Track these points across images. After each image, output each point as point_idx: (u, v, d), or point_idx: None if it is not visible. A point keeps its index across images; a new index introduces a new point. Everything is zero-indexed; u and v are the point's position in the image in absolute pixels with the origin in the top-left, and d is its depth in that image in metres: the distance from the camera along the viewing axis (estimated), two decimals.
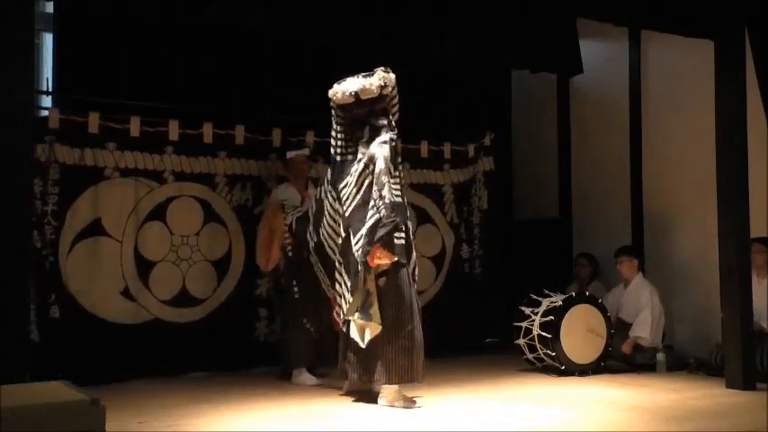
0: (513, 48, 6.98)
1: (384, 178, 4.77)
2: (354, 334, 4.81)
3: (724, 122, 5.51)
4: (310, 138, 6.72)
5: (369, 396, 4.92)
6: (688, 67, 6.83)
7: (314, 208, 5.34)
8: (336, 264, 5.02)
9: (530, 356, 6.25)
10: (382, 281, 4.81)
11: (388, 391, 4.80)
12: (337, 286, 5.03)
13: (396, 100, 4.97)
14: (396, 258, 4.78)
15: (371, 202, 4.80)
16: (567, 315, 6.09)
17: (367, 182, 4.87)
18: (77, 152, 5.84)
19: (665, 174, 7.12)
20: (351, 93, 4.88)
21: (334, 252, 5.09)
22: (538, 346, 6.12)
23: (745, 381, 5.31)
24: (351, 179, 4.95)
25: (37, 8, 5.94)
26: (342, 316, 4.96)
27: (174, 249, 6.18)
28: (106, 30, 6.23)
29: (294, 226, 5.59)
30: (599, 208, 7.76)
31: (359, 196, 4.88)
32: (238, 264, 6.37)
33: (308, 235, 5.36)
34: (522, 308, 6.36)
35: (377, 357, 4.79)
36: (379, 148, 4.87)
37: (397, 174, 4.93)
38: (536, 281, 6.83)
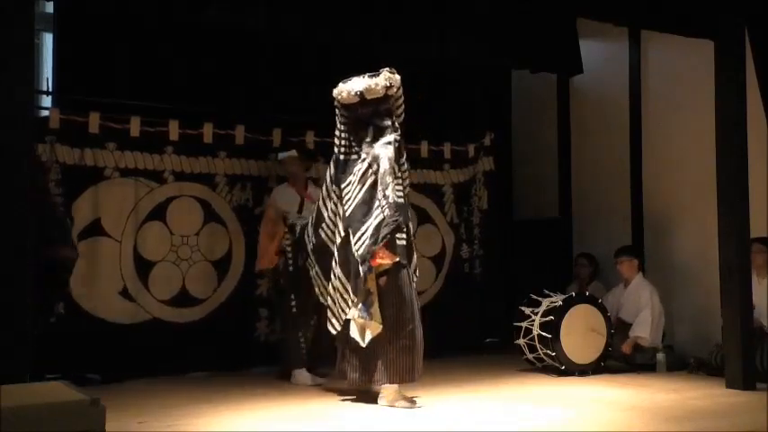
0: (513, 48, 6.98)
1: (388, 179, 4.78)
2: (355, 333, 4.80)
3: (724, 122, 5.50)
4: (311, 138, 6.73)
5: (369, 396, 4.92)
6: (688, 67, 6.83)
7: (315, 209, 5.32)
8: (333, 263, 4.99)
9: (530, 356, 6.25)
10: (383, 280, 4.81)
11: (388, 391, 4.80)
12: (331, 290, 4.99)
13: (401, 101, 4.96)
14: (397, 259, 4.78)
15: (376, 203, 4.80)
16: (567, 315, 6.09)
17: (369, 182, 4.86)
18: (77, 152, 5.85)
19: (665, 174, 7.12)
20: (356, 93, 4.87)
21: (332, 252, 5.07)
22: (538, 346, 6.12)
23: (745, 381, 5.31)
24: (354, 178, 4.94)
25: (37, 8, 5.94)
26: (334, 327, 4.94)
27: (174, 249, 6.18)
28: (106, 30, 6.23)
29: (298, 234, 5.58)
30: (599, 208, 7.76)
31: (360, 196, 4.87)
32: (239, 264, 6.37)
33: (306, 237, 5.35)
34: (522, 308, 6.36)
35: (377, 357, 4.80)
36: (384, 149, 4.87)
37: (400, 174, 4.93)
38: (536, 281, 6.83)
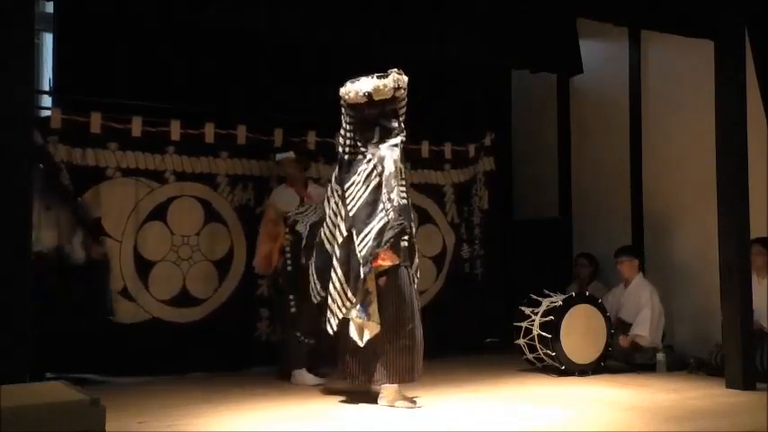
0: (513, 48, 6.98)
1: (393, 182, 4.77)
2: (353, 333, 4.80)
3: (724, 122, 5.50)
4: (312, 137, 6.73)
5: (369, 396, 4.92)
6: (688, 67, 6.83)
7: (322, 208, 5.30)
8: (334, 262, 4.97)
9: (530, 356, 6.25)
10: (383, 280, 4.81)
11: (388, 391, 4.80)
12: (331, 289, 4.96)
13: (405, 101, 4.95)
14: (398, 261, 4.78)
15: (380, 205, 4.79)
16: (567, 315, 6.09)
17: (374, 183, 4.84)
18: (79, 152, 5.85)
19: (665, 174, 7.12)
20: (364, 93, 4.82)
21: (332, 251, 5.05)
22: (538, 346, 6.12)
23: (745, 381, 5.31)
24: (358, 178, 4.91)
25: (37, 8, 5.94)
26: (330, 326, 4.94)
27: (175, 249, 6.19)
28: (106, 30, 6.23)
29: (306, 232, 5.56)
30: (599, 208, 7.76)
31: (364, 196, 4.85)
32: (240, 264, 6.36)
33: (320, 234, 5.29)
34: (522, 308, 6.36)
35: (377, 357, 4.80)
36: (389, 151, 4.85)
37: (403, 176, 4.93)
38: (536, 281, 6.83)
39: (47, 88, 6.16)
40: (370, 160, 4.90)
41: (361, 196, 4.86)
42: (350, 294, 4.78)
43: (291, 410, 4.71)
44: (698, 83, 6.42)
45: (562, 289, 6.83)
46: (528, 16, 6.86)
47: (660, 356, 6.31)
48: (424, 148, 7.35)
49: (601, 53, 7.77)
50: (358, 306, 4.75)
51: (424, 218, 7.23)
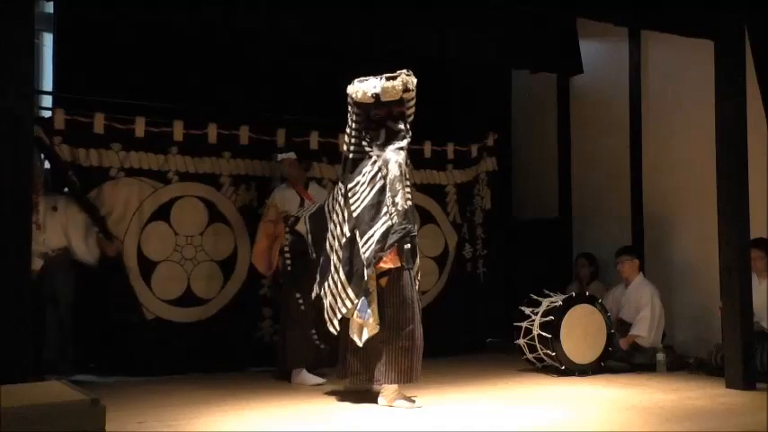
0: (514, 48, 6.98)
1: (398, 185, 4.75)
2: (352, 333, 4.80)
3: (724, 122, 5.50)
4: (315, 138, 6.72)
5: (369, 396, 4.92)
6: (688, 67, 6.83)
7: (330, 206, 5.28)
8: (336, 261, 4.96)
9: (530, 356, 6.25)
10: (383, 281, 4.81)
11: (388, 391, 4.80)
12: (332, 288, 4.94)
13: (412, 103, 4.92)
14: (400, 264, 4.78)
15: (384, 208, 4.78)
16: (567, 315, 6.09)
17: (379, 186, 4.82)
18: (82, 152, 5.86)
19: (665, 174, 7.12)
20: (372, 93, 4.79)
21: (332, 250, 5.05)
22: (538, 346, 6.12)
23: (745, 381, 5.31)
24: (362, 179, 4.89)
25: (37, 8, 5.95)
26: (332, 327, 4.94)
27: (179, 249, 6.19)
28: (106, 30, 6.23)
29: (308, 224, 5.52)
30: (599, 208, 7.76)
31: (368, 198, 4.83)
32: (244, 264, 6.36)
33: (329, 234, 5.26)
34: (523, 308, 6.36)
35: (377, 357, 4.80)
36: (395, 154, 4.83)
37: (407, 177, 4.91)
38: (536, 281, 6.83)
39: (47, 88, 6.16)
40: (375, 162, 4.88)
41: (365, 198, 4.84)
42: (351, 295, 4.78)
43: (291, 410, 4.71)
44: (698, 83, 6.43)
45: (562, 289, 6.83)
46: (528, 16, 6.86)
47: (660, 356, 6.31)
48: (427, 148, 7.35)
49: (601, 53, 7.77)
50: (358, 306, 4.75)
51: (425, 218, 7.23)
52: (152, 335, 6.02)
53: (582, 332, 6.12)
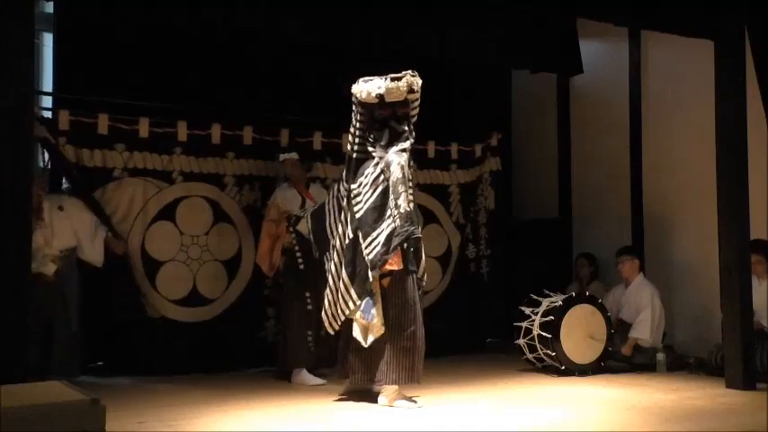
0: (514, 48, 6.98)
1: (400, 188, 4.74)
2: (357, 334, 4.81)
3: (724, 122, 5.50)
4: (318, 138, 6.73)
5: (369, 396, 4.92)
6: (688, 67, 6.83)
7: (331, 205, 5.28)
8: (339, 263, 4.96)
9: (530, 356, 6.25)
10: (386, 282, 4.81)
11: (388, 391, 4.80)
12: (333, 289, 4.92)
13: (417, 104, 4.90)
14: (403, 267, 4.78)
15: (388, 211, 4.78)
16: (567, 315, 6.09)
17: (381, 188, 4.81)
18: (86, 153, 5.86)
19: (665, 174, 7.12)
20: (376, 94, 4.78)
21: (334, 250, 5.04)
22: (538, 346, 6.12)
23: (745, 381, 5.31)
24: (365, 180, 4.88)
25: (37, 8, 5.94)
26: (330, 328, 4.94)
27: (185, 249, 6.20)
28: (106, 30, 6.23)
29: (310, 223, 5.51)
30: (599, 208, 7.76)
31: (371, 200, 4.82)
32: (248, 264, 6.36)
33: (329, 232, 5.26)
34: (522, 308, 6.36)
35: (378, 357, 4.80)
36: (397, 156, 4.81)
37: (410, 178, 4.90)
38: (536, 281, 6.83)
39: (47, 88, 6.16)
40: (377, 163, 4.87)
41: (367, 200, 4.84)
42: (354, 296, 4.78)
43: (291, 410, 4.71)
44: (698, 83, 6.43)
45: (562, 289, 6.83)
46: (528, 16, 6.86)
47: (660, 356, 6.31)
48: (431, 148, 7.35)
49: (601, 53, 7.77)
50: (361, 307, 4.74)
51: (429, 218, 7.22)
52: (157, 334, 6.03)
53: (582, 332, 6.11)
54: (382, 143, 4.90)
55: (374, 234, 4.76)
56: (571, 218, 8.06)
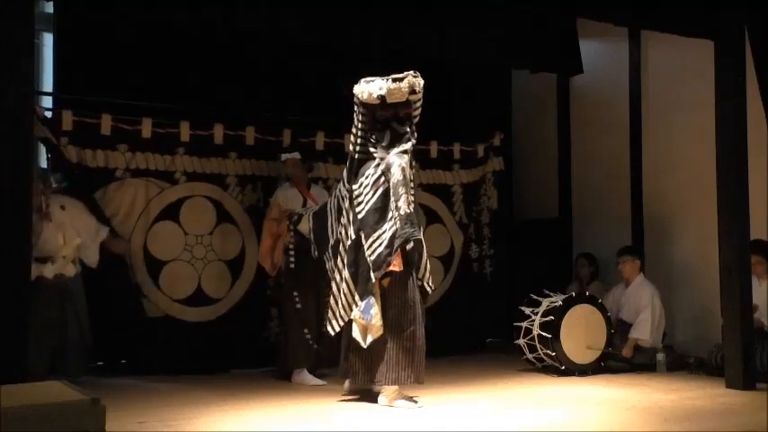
0: (514, 48, 6.98)
1: (401, 190, 4.73)
2: (356, 334, 4.81)
3: (724, 122, 5.50)
4: (321, 138, 6.73)
5: (369, 396, 4.92)
6: (688, 67, 6.83)
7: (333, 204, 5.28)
8: (341, 263, 4.96)
9: (530, 356, 6.25)
10: (386, 282, 4.81)
11: (388, 391, 4.80)
12: (335, 290, 4.93)
13: (419, 105, 4.89)
14: (403, 267, 4.78)
15: (389, 213, 4.78)
16: (566, 315, 6.09)
17: (382, 189, 4.81)
18: (89, 153, 5.86)
19: (665, 174, 7.12)
20: (378, 95, 4.76)
21: (338, 251, 5.04)
22: (538, 345, 6.12)
23: (745, 381, 5.31)
24: (367, 181, 4.87)
25: (37, 8, 5.94)
26: (332, 328, 4.94)
27: (189, 249, 6.21)
28: (106, 30, 6.23)
29: (311, 222, 5.51)
30: (599, 208, 7.76)
31: (372, 201, 4.82)
32: (252, 264, 6.37)
33: (330, 232, 5.26)
34: (522, 308, 6.36)
35: (378, 358, 4.80)
36: (398, 158, 4.80)
37: (412, 179, 4.90)
38: (536, 281, 6.83)
39: (47, 88, 6.16)
40: (378, 165, 4.86)
41: (369, 201, 4.84)
42: (356, 297, 4.78)
43: (291, 410, 4.71)
44: (698, 83, 6.42)
45: (562, 289, 6.83)
46: (528, 16, 6.86)
47: (660, 356, 6.31)
48: (433, 148, 7.36)
49: (601, 53, 7.77)
50: (362, 307, 4.75)
51: (432, 218, 7.24)
52: (158, 334, 6.03)
53: (582, 332, 6.11)
54: (384, 144, 4.89)
55: (375, 235, 4.76)
56: (571, 218, 8.06)
